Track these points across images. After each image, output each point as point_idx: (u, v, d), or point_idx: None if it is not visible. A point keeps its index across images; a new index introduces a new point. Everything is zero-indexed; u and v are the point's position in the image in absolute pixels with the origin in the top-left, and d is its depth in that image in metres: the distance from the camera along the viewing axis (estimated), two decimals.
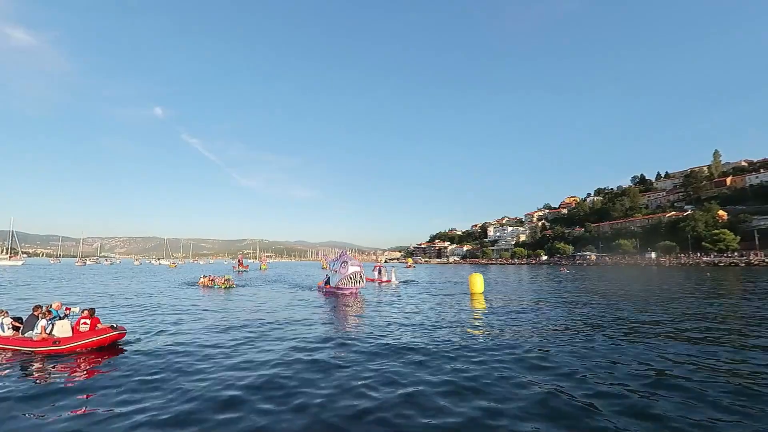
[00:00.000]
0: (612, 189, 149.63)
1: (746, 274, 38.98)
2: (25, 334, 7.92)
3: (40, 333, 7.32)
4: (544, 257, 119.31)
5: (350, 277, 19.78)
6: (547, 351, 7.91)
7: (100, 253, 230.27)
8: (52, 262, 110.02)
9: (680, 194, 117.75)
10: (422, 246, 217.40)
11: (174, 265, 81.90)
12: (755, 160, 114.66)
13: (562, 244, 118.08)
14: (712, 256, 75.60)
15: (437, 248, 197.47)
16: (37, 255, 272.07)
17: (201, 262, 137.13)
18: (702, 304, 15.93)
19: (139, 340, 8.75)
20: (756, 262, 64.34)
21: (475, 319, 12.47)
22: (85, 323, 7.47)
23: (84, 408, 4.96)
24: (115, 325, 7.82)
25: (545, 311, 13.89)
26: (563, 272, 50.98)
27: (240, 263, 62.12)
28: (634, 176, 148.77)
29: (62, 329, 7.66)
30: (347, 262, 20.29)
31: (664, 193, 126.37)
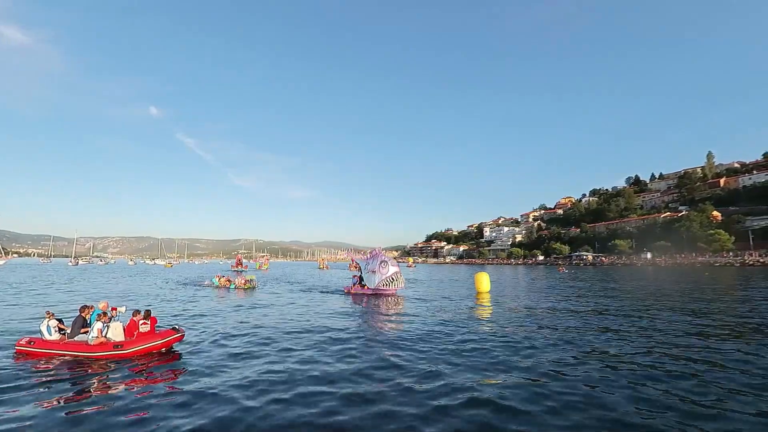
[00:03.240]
0: (607, 190, 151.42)
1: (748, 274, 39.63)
2: (76, 338, 7.70)
3: (97, 336, 7.10)
4: (541, 257, 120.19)
5: (391, 278, 19.11)
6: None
7: (93, 253, 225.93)
8: (42, 262, 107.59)
9: (674, 195, 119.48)
10: (419, 246, 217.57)
11: (170, 265, 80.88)
12: (748, 162, 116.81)
13: (558, 244, 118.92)
14: (707, 256, 76.76)
15: (434, 248, 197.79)
16: (28, 255, 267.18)
17: (196, 262, 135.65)
18: None
19: (191, 342, 8.57)
20: (751, 262, 65.52)
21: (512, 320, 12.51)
22: (145, 323, 7.26)
23: (166, 414, 4.86)
24: (177, 326, 7.61)
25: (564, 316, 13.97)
26: (561, 272, 51.28)
27: (239, 263, 61.58)
28: (629, 177, 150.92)
29: (115, 331, 7.46)
30: (386, 262, 19.62)
31: (659, 193, 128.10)
